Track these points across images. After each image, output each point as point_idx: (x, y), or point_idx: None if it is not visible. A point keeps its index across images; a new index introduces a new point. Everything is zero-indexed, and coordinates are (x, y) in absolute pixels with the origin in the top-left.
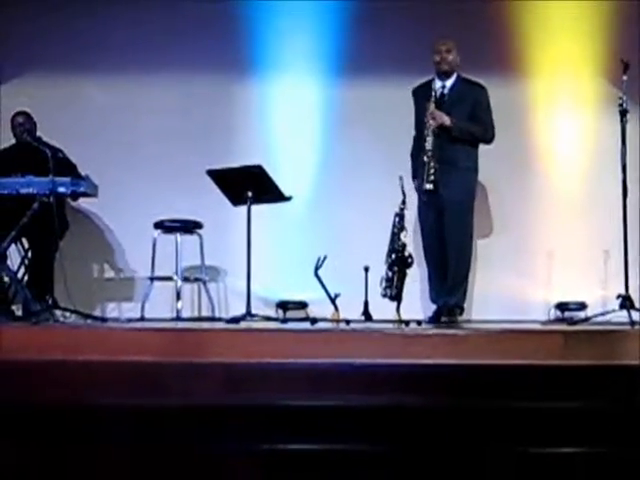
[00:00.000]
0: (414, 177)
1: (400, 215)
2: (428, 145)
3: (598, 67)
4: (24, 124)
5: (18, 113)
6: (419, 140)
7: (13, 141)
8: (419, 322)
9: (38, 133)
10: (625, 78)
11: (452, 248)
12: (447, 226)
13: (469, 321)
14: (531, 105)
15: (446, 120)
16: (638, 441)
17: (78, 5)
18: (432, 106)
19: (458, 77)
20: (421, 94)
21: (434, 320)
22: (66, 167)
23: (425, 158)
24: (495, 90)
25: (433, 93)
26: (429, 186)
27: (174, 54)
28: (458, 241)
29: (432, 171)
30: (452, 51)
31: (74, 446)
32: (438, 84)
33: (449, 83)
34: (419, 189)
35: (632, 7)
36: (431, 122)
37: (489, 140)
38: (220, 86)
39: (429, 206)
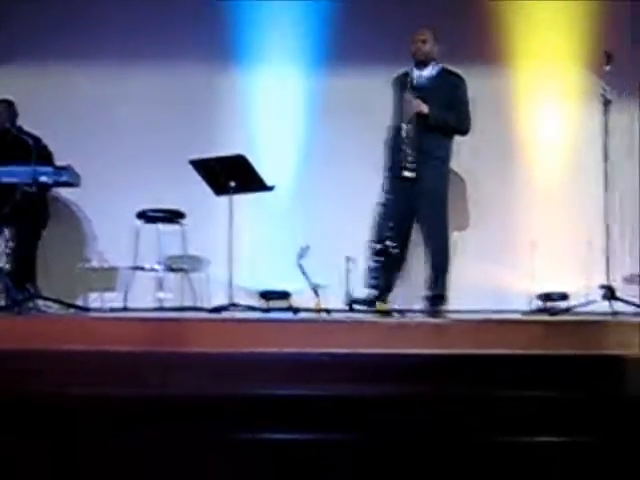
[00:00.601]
0: (388, 166)
1: (384, 205)
2: (405, 133)
3: (581, 58)
4: (2, 113)
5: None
6: (396, 130)
7: None
8: (401, 311)
9: (19, 122)
10: (608, 69)
11: (430, 239)
12: (423, 217)
13: (452, 311)
14: (514, 96)
15: (424, 108)
16: (619, 430)
17: None
18: (409, 94)
19: (437, 67)
20: (399, 84)
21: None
22: (45, 157)
23: (403, 146)
24: (478, 81)
25: (410, 81)
26: (408, 174)
27: (158, 44)
28: (436, 232)
29: (410, 159)
30: (428, 41)
31: (56, 436)
32: (416, 73)
33: (427, 73)
34: (394, 177)
35: None
36: (409, 109)
37: (464, 131)
38: (203, 76)
39: (400, 195)
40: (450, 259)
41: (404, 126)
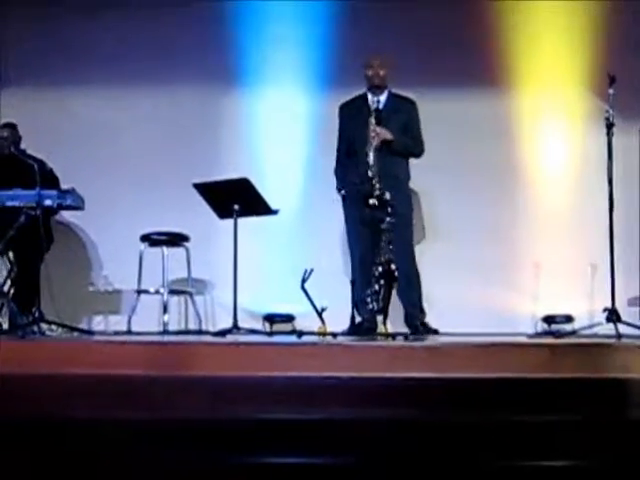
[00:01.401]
0: (339, 189)
1: (388, 229)
2: (371, 160)
3: (584, 80)
4: (8, 138)
5: (3, 126)
6: (346, 154)
7: None
8: (406, 336)
9: (22, 145)
10: (611, 91)
11: (401, 263)
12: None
13: (455, 334)
14: (517, 118)
15: (389, 135)
16: (625, 454)
17: (63, 18)
18: (374, 121)
19: (389, 92)
20: (353, 109)
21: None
22: (50, 180)
23: (370, 173)
24: (482, 103)
25: (373, 108)
26: (374, 201)
27: (160, 66)
28: (406, 255)
29: (377, 186)
30: (385, 66)
31: (60, 460)
32: (372, 98)
33: (382, 98)
34: (360, 203)
35: (618, 20)
36: (374, 137)
37: (420, 153)
38: (206, 98)
39: (365, 221)
40: (420, 276)
41: (370, 154)
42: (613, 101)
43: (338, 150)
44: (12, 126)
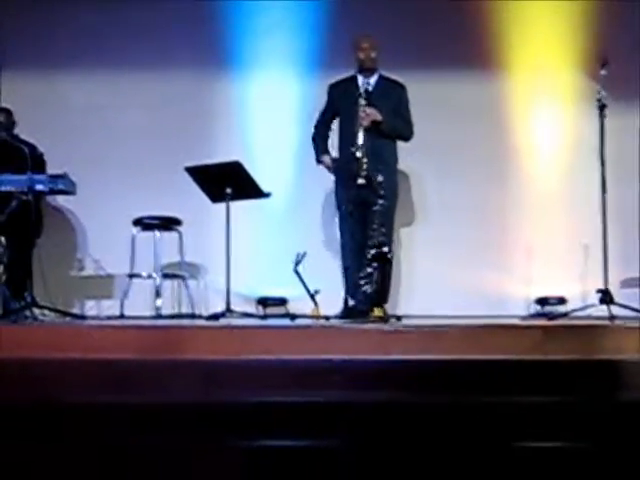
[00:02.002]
0: (318, 160)
1: (380, 212)
2: (360, 140)
3: (576, 62)
4: (2, 123)
5: None
6: (320, 127)
7: None
8: (398, 317)
9: (15, 131)
10: (603, 73)
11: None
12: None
13: (449, 316)
14: (509, 100)
15: (378, 116)
16: (618, 435)
17: (55, 3)
18: (363, 102)
19: (380, 75)
20: (342, 90)
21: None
22: (39, 164)
23: (358, 153)
24: (473, 85)
25: (362, 89)
26: (362, 181)
27: (151, 51)
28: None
29: (365, 166)
30: (375, 48)
31: (53, 444)
32: (362, 80)
33: (372, 80)
34: (348, 184)
35: (610, 2)
36: (363, 117)
37: (409, 137)
38: (198, 83)
39: (355, 202)
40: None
41: (359, 134)
42: (605, 82)
43: (318, 122)
44: (6, 111)
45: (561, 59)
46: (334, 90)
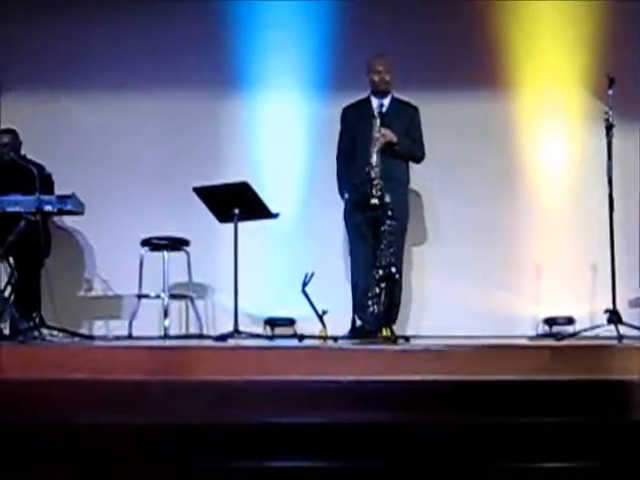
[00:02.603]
0: (342, 194)
1: (388, 232)
2: (374, 161)
3: (584, 81)
4: (9, 144)
5: (3, 131)
6: (347, 156)
7: None
8: (407, 338)
9: (22, 151)
10: (610, 93)
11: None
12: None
13: (457, 337)
14: (517, 119)
15: (393, 137)
16: (626, 455)
17: (62, 23)
18: (378, 122)
19: (392, 97)
20: (356, 112)
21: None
22: (47, 185)
23: (372, 174)
24: (481, 104)
25: (377, 111)
26: (376, 201)
27: (160, 70)
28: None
29: (379, 187)
30: (389, 71)
31: (61, 465)
32: (376, 102)
33: (386, 102)
34: (361, 204)
35: (617, 22)
36: (378, 138)
37: (421, 158)
38: (206, 103)
39: (367, 224)
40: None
41: (374, 155)
42: (612, 102)
43: (339, 152)
44: (12, 132)
45: (568, 79)
46: (348, 113)
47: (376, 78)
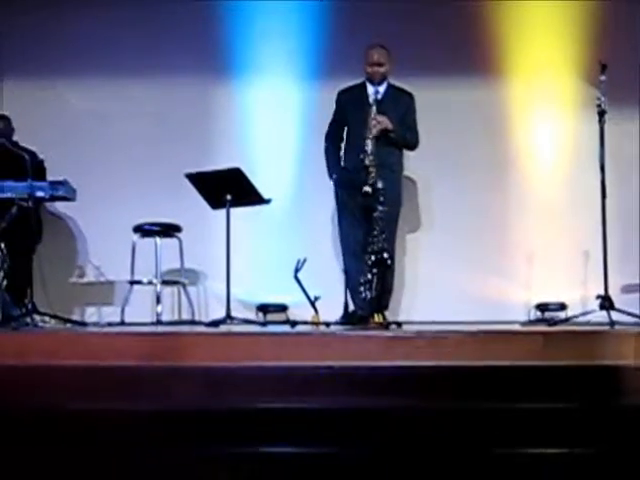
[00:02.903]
0: (331, 175)
1: (380, 218)
2: (369, 148)
3: (576, 68)
4: (1, 130)
5: None
6: (338, 139)
7: None
8: (399, 324)
9: (15, 137)
10: (603, 79)
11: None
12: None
13: (449, 322)
14: (509, 106)
15: (389, 124)
16: (618, 441)
17: (55, 9)
18: (374, 110)
19: (388, 83)
20: (351, 97)
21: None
22: (39, 171)
23: (367, 161)
24: (473, 92)
25: (372, 98)
26: (368, 189)
27: (152, 56)
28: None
29: (373, 174)
30: (386, 60)
31: (54, 451)
32: (372, 89)
33: (382, 89)
34: (354, 191)
35: (609, 8)
36: (374, 124)
37: (415, 145)
38: (198, 89)
39: (358, 209)
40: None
41: (369, 142)
42: (605, 88)
43: (329, 133)
44: (5, 118)
45: (561, 65)
46: (343, 97)
47: (370, 70)
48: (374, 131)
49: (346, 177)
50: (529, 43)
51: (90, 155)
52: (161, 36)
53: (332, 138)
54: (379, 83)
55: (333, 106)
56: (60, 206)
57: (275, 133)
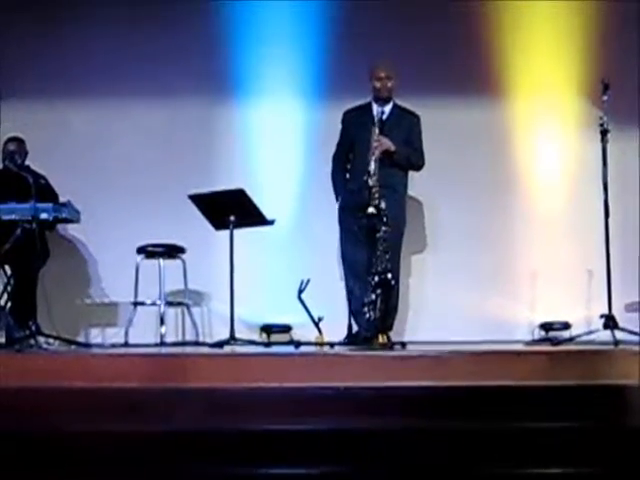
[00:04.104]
0: (338, 196)
1: (384, 238)
2: (372, 169)
3: (579, 87)
4: (13, 151)
5: (10, 139)
6: (344, 161)
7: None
8: (403, 344)
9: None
10: (605, 98)
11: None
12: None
13: (453, 342)
14: (512, 126)
15: (391, 146)
16: (622, 461)
17: (59, 32)
18: (377, 131)
19: (394, 103)
20: (356, 117)
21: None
22: (48, 194)
23: (370, 182)
24: (477, 112)
25: (377, 118)
26: (372, 210)
27: (156, 78)
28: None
29: (377, 195)
30: (392, 78)
31: (58, 473)
32: (377, 109)
33: (387, 109)
34: (358, 211)
35: (611, 27)
36: (377, 146)
37: (420, 166)
38: (201, 110)
39: (362, 230)
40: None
41: (372, 163)
42: (607, 108)
43: (337, 155)
44: (19, 140)
45: (563, 84)
46: (348, 117)
47: (378, 85)
48: (377, 152)
49: (350, 198)
50: (531, 63)
51: (93, 177)
52: (164, 58)
53: (338, 160)
54: (385, 103)
55: (336, 126)
56: (64, 228)
57: (278, 154)
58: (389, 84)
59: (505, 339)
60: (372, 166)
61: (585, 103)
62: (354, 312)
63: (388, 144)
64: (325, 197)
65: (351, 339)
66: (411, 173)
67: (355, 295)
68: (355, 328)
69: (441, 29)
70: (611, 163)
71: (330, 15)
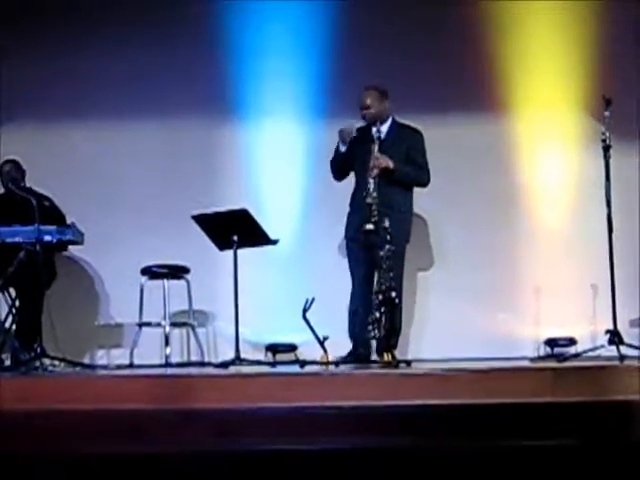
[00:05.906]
0: (343, 142)
1: (387, 256)
2: (371, 188)
3: (581, 103)
4: (10, 172)
5: (6, 162)
6: (342, 173)
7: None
8: (408, 362)
9: (28, 182)
10: (607, 114)
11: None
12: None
13: (458, 359)
14: (515, 142)
15: (390, 163)
16: (631, 477)
17: (62, 53)
18: (376, 149)
19: (393, 121)
20: (359, 136)
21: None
22: (53, 216)
23: (369, 199)
24: (479, 128)
25: (375, 137)
26: (370, 227)
27: (158, 99)
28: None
29: (375, 212)
30: (375, 102)
31: None
32: (374, 129)
33: (385, 128)
34: (358, 229)
35: (613, 43)
36: (375, 165)
37: (425, 183)
38: (204, 130)
39: (365, 248)
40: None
41: (370, 180)
42: (609, 123)
43: (337, 163)
44: (14, 162)
45: (566, 100)
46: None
47: (361, 113)
48: (375, 170)
49: (351, 217)
50: (534, 78)
51: (97, 197)
52: (167, 80)
53: (338, 171)
54: (381, 122)
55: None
56: (69, 249)
57: (281, 173)
58: (371, 110)
59: (510, 356)
60: (371, 184)
61: (587, 119)
62: (358, 330)
63: (386, 162)
64: (328, 216)
65: (355, 357)
66: (416, 191)
67: (358, 314)
68: (359, 347)
69: (443, 47)
70: (614, 178)
71: (331, 36)
